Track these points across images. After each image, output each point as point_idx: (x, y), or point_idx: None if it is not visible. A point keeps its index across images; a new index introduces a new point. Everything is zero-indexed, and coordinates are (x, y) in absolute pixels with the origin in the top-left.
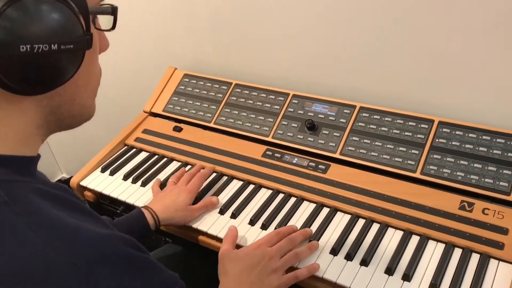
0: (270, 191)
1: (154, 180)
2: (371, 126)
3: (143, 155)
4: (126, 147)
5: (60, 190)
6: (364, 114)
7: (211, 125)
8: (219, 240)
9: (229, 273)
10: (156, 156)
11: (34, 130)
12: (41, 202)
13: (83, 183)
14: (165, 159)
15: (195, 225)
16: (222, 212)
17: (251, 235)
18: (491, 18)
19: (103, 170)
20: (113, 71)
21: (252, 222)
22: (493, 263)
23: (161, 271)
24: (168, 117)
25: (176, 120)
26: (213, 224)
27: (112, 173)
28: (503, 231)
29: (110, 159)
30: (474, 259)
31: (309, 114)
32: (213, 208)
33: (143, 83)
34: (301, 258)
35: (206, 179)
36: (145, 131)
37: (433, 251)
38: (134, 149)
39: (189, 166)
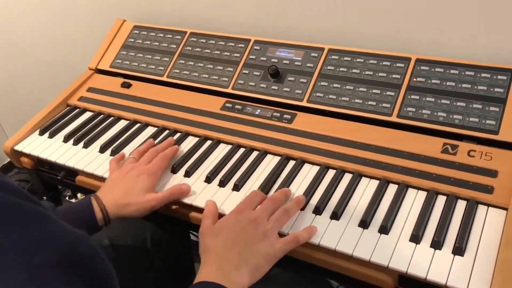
0: (229, 146)
1: (116, 156)
2: (341, 69)
3: (87, 115)
4: (68, 107)
5: None
6: (333, 57)
7: (164, 79)
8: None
9: (210, 249)
10: (102, 116)
11: None
12: None
13: (18, 147)
14: (112, 118)
15: None
16: (174, 170)
17: (207, 193)
18: None
19: (41, 133)
20: (53, 27)
21: (209, 179)
22: (481, 209)
23: (57, 225)
24: (116, 74)
25: (125, 76)
26: (165, 184)
27: (51, 136)
28: (492, 173)
29: (49, 120)
30: (461, 205)
31: (272, 60)
32: (183, 197)
33: (89, 38)
34: (292, 214)
35: (169, 160)
36: (90, 90)
37: (414, 200)
38: (78, 109)
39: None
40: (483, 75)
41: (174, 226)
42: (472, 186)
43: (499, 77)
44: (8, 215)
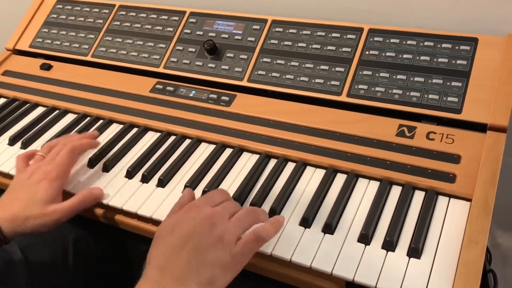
0: (158, 134)
1: (24, 153)
2: (286, 43)
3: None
4: None
5: None
6: (277, 29)
7: (88, 58)
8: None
9: (151, 260)
10: (16, 102)
11: None
12: None
13: None
14: (28, 104)
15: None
16: (91, 164)
17: (127, 190)
18: None
19: None
20: None
21: (130, 174)
22: (442, 200)
23: None
24: (37, 54)
25: (46, 56)
26: (81, 182)
27: None
28: (454, 159)
29: None
30: (418, 197)
31: (210, 35)
32: (95, 201)
33: (8, 16)
34: (260, 216)
35: (82, 152)
36: (6, 73)
37: (364, 192)
38: None
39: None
40: (443, 45)
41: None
42: (431, 175)
43: (461, 47)
44: None
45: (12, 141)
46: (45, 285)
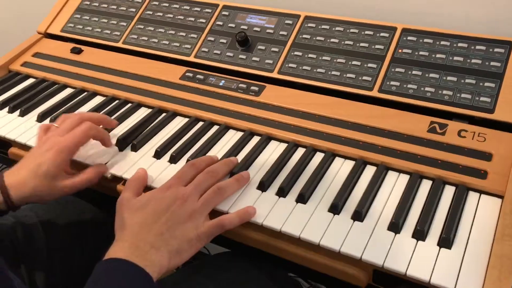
0: (186, 119)
1: (46, 124)
2: (318, 38)
3: (29, 81)
4: (10, 73)
5: None
6: (309, 25)
7: (119, 45)
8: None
9: (126, 226)
10: (46, 83)
11: None
12: None
13: None
14: (56, 85)
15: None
16: (120, 145)
17: (158, 170)
18: None
19: None
20: None
21: (158, 154)
22: (473, 196)
23: None
24: (68, 39)
25: (77, 41)
26: (110, 160)
27: None
28: (486, 156)
29: None
30: (449, 191)
31: (242, 27)
32: (100, 176)
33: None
34: (227, 194)
35: (94, 135)
36: (37, 55)
37: (394, 184)
38: (19, 75)
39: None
40: (477, 47)
41: None
42: (462, 170)
43: (495, 50)
44: None
45: (41, 118)
46: (64, 261)
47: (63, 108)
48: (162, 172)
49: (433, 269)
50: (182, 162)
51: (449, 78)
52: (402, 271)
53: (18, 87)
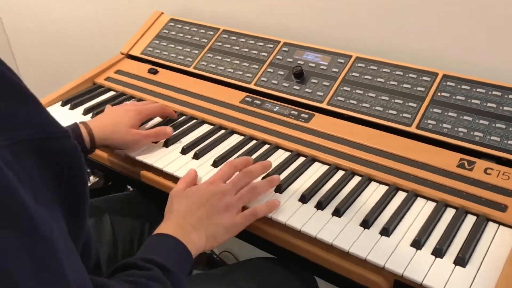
0: (242, 137)
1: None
2: (366, 76)
3: (110, 93)
4: (94, 85)
5: None
6: (359, 65)
7: (190, 69)
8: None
9: (174, 210)
10: (124, 96)
11: None
12: None
13: None
14: (133, 99)
15: (149, 161)
16: (184, 152)
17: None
18: None
19: (63, 104)
20: (96, 12)
21: (216, 163)
22: (492, 226)
23: (43, 113)
24: (146, 61)
25: (154, 63)
26: (171, 162)
27: (72, 108)
28: (508, 192)
29: (73, 94)
30: (470, 220)
31: (298, 62)
32: (165, 137)
33: (126, 26)
34: (260, 192)
35: (161, 114)
36: (118, 72)
37: (422, 209)
38: (102, 88)
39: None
40: (510, 96)
41: None
42: (484, 202)
43: None
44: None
45: None
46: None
47: None
48: None
49: (447, 282)
50: None
51: (481, 121)
52: (419, 281)
53: (100, 98)
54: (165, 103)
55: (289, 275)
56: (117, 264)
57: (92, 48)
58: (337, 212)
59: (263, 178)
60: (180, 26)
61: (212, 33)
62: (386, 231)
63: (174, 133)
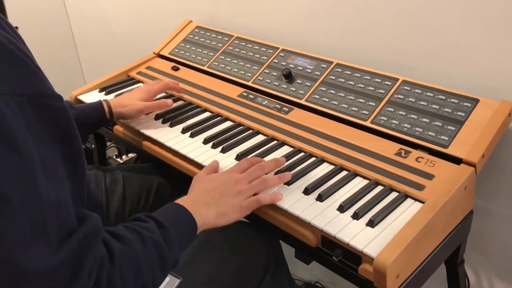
0: (232, 123)
1: None
2: (341, 79)
3: (138, 85)
4: (128, 77)
5: None
6: (337, 69)
7: (205, 68)
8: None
9: (194, 189)
10: None
11: None
12: None
13: (81, 97)
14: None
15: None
16: (206, 141)
17: (210, 155)
18: None
19: (101, 90)
20: (137, 17)
21: (206, 141)
22: (409, 201)
23: (38, 77)
24: (172, 60)
25: (177, 62)
26: (171, 138)
27: (107, 94)
28: (429, 176)
29: (110, 84)
30: (392, 195)
31: (290, 66)
32: (166, 107)
33: (160, 32)
34: (269, 185)
35: (167, 89)
36: (149, 68)
37: (356, 185)
38: (134, 80)
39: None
40: (452, 100)
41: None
42: (408, 183)
43: (465, 103)
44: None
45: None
46: (132, 205)
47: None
48: (212, 157)
49: (354, 236)
50: (218, 148)
51: (423, 119)
52: (333, 234)
53: (131, 87)
54: (180, 94)
55: (252, 232)
56: (129, 218)
57: (134, 46)
58: (288, 183)
59: (276, 173)
60: (203, 32)
61: (227, 39)
62: (320, 197)
63: (181, 117)
